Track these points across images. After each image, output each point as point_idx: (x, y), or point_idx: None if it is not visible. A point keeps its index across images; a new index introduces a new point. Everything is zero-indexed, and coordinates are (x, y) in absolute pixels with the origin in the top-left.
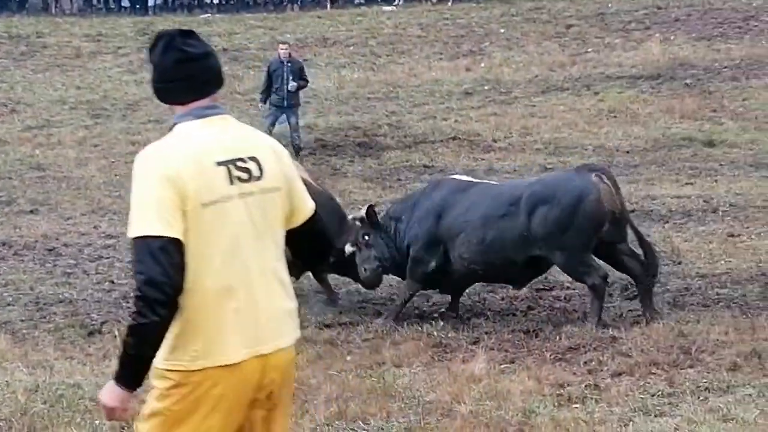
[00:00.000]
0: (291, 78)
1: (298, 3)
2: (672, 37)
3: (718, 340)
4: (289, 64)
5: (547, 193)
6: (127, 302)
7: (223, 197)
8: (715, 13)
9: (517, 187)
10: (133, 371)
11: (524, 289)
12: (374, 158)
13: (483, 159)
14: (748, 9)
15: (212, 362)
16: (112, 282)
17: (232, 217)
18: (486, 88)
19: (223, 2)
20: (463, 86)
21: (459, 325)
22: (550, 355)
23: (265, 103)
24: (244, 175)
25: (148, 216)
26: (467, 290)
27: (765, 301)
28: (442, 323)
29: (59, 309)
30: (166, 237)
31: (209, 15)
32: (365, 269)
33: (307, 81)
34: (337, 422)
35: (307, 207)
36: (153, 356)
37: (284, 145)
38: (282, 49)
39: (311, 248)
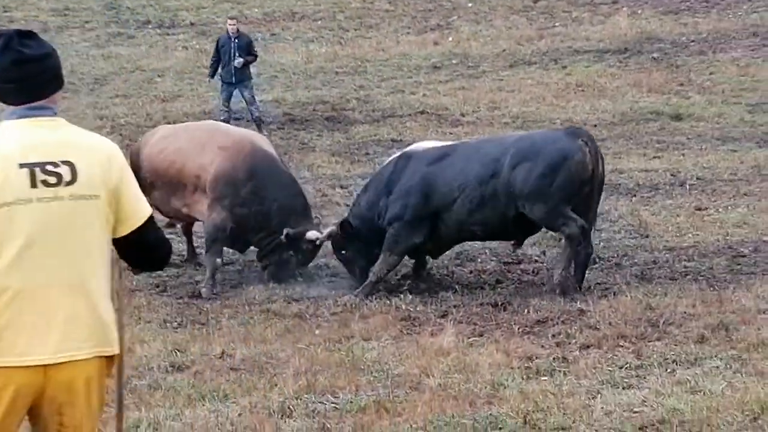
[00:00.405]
0: (238, 54)
1: None
2: (639, 11)
3: (685, 312)
4: (237, 40)
5: (531, 152)
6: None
7: (19, 199)
8: None
9: (502, 143)
10: None
11: (492, 263)
12: (342, 132)
13: (451, 133)
14: None
15: (8, 360)
16: None
17: (26, 220)
18: (454, 62)
19: None
20: (431, 60)
21: (427, 299)
22: (519, 328)
23: (212, 77)
24: (52, 179)
25: None
26: (435, 263)
27: (732, 274)
28: (410, 297)
29: None
30: None
31: None
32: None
33: (256, 56)
34: (305, 395)
35: (136, 216)
36: None
37: (246, 120)
38: (230, 24)
39: (140, 258)
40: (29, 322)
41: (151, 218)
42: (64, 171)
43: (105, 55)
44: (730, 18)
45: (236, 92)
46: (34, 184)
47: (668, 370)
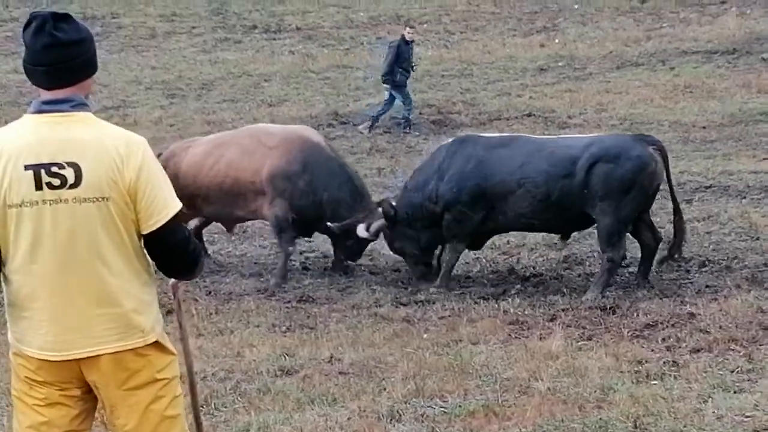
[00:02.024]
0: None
1: None
2: (748, 11)
3: None
4: (412, 44)
5: (610, 155)
6: (204, 281)
7: (26, 202)
8: None
9: (573, 146)
10: None
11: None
12: (449, 135)
13: (559, 134)
14: None
15: (24, 350)
16: None
17: (33, 222)
18: (560, 64)
19: None
20: (537, 62)
21: (535, 302)
22: (628, 332)
23: (386, 83)
24: (56, 182)
25: None
26: (545, 267)
27: None
28: (518, 300)
29: None
30: None
31: None
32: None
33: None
34: (414, 399)
35: (156, 216)
36: None
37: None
38: (409, 31)
39: (164, 260)
40: (45, 319)
41: (174, 219)
42: (69, 173)
43: (212, 60)
44: None
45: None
46: (39, 186)
47: None
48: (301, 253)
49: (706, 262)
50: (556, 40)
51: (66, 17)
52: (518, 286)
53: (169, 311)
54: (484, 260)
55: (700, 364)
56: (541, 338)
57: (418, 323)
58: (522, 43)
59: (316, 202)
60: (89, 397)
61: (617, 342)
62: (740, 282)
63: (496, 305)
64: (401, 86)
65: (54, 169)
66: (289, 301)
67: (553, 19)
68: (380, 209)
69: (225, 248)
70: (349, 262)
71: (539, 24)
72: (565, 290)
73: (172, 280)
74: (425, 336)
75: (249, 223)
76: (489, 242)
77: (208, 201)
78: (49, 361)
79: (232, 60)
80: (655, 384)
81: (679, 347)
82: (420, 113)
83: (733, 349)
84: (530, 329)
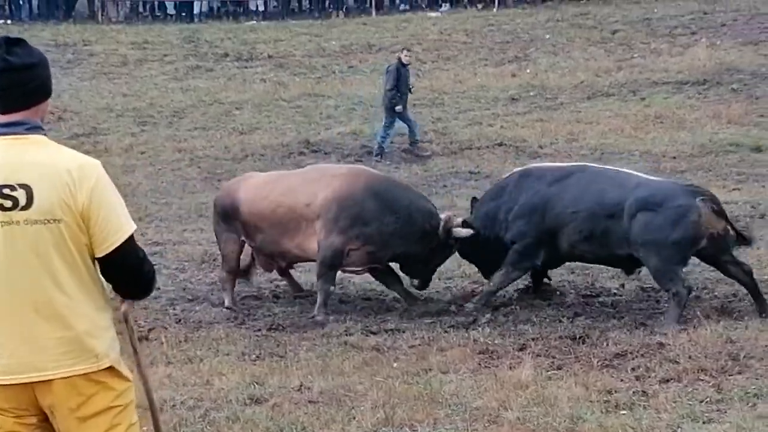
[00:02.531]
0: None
1: (344, 10)
2: (718, 42)
3: (766, 346)
4: (408, 67)
5: (653, 202)
6: (174, 308)
7: None
8: (762, 17)
9: (623, 186)
10: None
11: (570, 295)
12: (420, 165)
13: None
14: None
15: None
16: (159, 289)
17: None
18: (532, 94)
19: (269, 9)
20: (508, 92)
21: (505, 332)
22: (598, 362)
23: (398, 105)
24: (8, 203)
25: None
26: (510, 296)
27: None
28: (488, 329)
29: None
30: None
31: (254, 22)
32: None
33: None
34: (383, 428)
35: (110, 239)
36: None
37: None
38: (407, 55)
39: (118, 281)
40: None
41: (128, 241)
42: (20, 195)
43: (183, 87)
44: None
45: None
46: None
47: (749, 404)
48: (271, 281)
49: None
50: (528, 70)
51: (19, 41)
52: (488, 315)
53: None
54: (454, 289)
55: (669, 394)
56: (510, 367)
57: (388, 352)
58: (493, 72)
59: (400, 221)
60: (46, 425)
61: (587, 371)
62: (710, 312)
63: (466, 334)
64: (391, 110)
65: (6, 191)
66: (258, 330)
67: (525, 49)
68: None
69: (195, 276)
70: (415, 290)
71: (511, 54)
72: (535, 319)
73: (123, 306)
74: (395, 365)
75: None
76: (459, 271)
77: (258, 229)
78: (2, 385)
79: (204, 88)
80: (624, 414)
81: (649, 377)
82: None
83: (702, 380)
84: (500, 358)
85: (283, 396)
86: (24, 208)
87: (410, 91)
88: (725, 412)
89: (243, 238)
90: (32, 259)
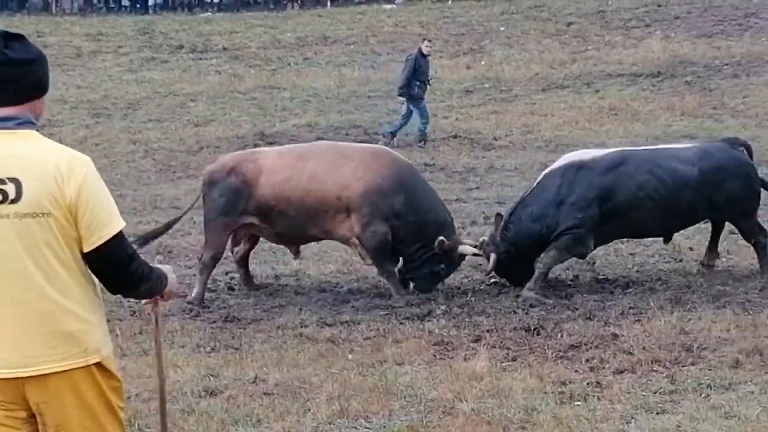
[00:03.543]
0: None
1: (299, 1)
2: (672, 35)
3: (719, 337)
4: (428, 58)
5: (723, 167)
6: (128, 300)
7: None
8: (716, 10)
9: (687, 160)
10: None
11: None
12: None
13: (484, 157)
14: (749, 6)
15: None
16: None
17: None
18: (486, 86)
19: (224, 1)
20: (463, 84)
21: (460, 323)
22: (552, 353)
23: (402, 96)
24: None
25: None
26: (469, 287)
27: (766, 298)
28: (443, 321)
29: None
30: None
31: (210, 14)
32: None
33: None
34: (339, 420)
35: (98, 234)
36: None
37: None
38: (427, 45)
39: (106, 277)
40: None
41: (117, 237)
42: (9, 188)
43: (138, 79)
44: (763, 41)
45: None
46: None
47: (703, 395)
48: (226, 273)
49: (630, 284)
50: (483, 62)
51: (18, 37)
52: (443, 306)
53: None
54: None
55: (623, 385)
56: (465, 359)
57: (343, 344)
58: (448, 64)
59: (418, 222)
60: (34, 420)
61: (541, 363)
62: (663, 303)
63: (422, 326)
64: (418, 99)
65: None
66: (214, 322)
67: (480, 42)
68: (495, 232)
69: None
70: (419, 291)
71: (465, 46)
72: (490, 311)
73: (150, 307)
74: (350, 357)
75: (174, 243)
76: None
77: (283, 214)
78: None
79: (159, 79)
80: (578, 405)
81: (603, 368)
82: (347, 134)
83: (656, 371)
84: (455, 350)
85: (238, 388)
86: (13, 202)
87: (429, 82)
88: (679, 402)
89: (251, 221)
90: (23, 252)
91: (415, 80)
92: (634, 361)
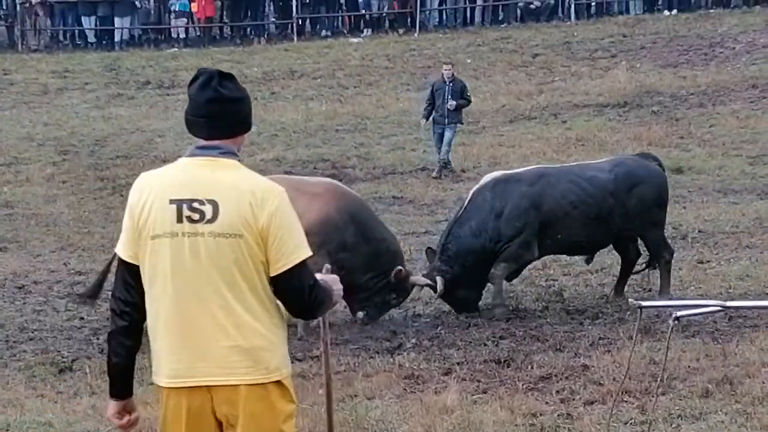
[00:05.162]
0: (451, 97)
1: (265, 36)
2: (638, 65)
3: (689, 366)
4: (451, 84)
5: (638, 176)
6: (98, 338)
7: (167, 233)
8: (681, 40)
9: (602, 169)
10: (109, 378)
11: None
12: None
13: (452, 189)
14: (714, 36)
15: (158, 381)
16: (82, 318)
17: (171, 252)
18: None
19: (190, 36)
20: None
21: (430, 356)
22: (523, 385)
23: (426, 120)
24: (195, 216)
25: (121, 237)
26: (443, 321)
27: (735, 328)
28: (413, 354)
29: (29, 347)
30: (123, 259)
31: (176, 49)
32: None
33: (469, 100)
34: None
35: (283, 260)
36: (119, 364)
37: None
38: (446, 69)
39: (288, 301)
40: (176, 346)
41: (300, 265)
42: (207, 209)
43: (105, 116)
44: (728, 70)
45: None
46: (180, 219)
47: (673, 425)
48: None
49: (600, 314)
50: None
51: (230, 76)
52: (413, 340)
53: None
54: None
55: (593, 416)
56: (436, 392)
57: (314, 378)
58: (415, 97)
59: (371, 252)
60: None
61: (512, 395)
62: (633, 334)
63: (392, 359)
64: (437, 125)
65: (195, 204)
66: None
67: (424, 78)
68: (433, 262)
69: None
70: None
71: (432, 78)
72: (460, 343)
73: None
74: (321, 391)
75: None
76: None
77: None
78: (178, 388)
79: (126, 116)
80: None
81: (573, 400)
82: (315, 168)
83: (626, 401)
84: (425, 383)
85: None
86: (209, 222)
87: (447, 105)
88: None
89: None
90: (214, 270)
91: (432, 106)
92: (605, 392)
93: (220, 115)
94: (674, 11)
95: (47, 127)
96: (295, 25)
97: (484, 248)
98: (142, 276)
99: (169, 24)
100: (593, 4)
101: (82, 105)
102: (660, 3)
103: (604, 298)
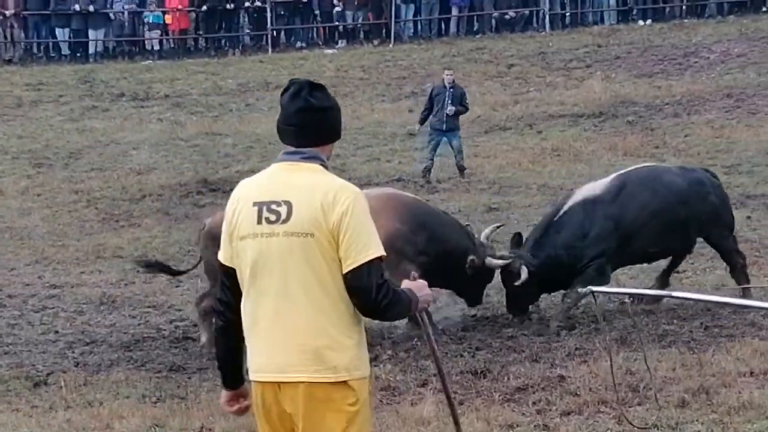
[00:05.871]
0: (450, 102)
1: (240, 48)
2: (613, 75)
3: (665, 376)
4: (452, 90)
5: (701, 185)
6: (73, 352)
7: (250, 234)
8: (656, 50)
9: (677, 174)
10: (219, 370)
11: (470, 330)
12: None
13: (428, 200)
14: (688, 46)
15: (251, 376)
16: (57, 332)
17: (253, 253)
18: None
19: (164, 48)
20: (406, 127)
21: (407, 367)
22: (499, 396)
23: (422, 125)
24: (273, 217)
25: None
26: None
27: (711, 337)
28: (389, 366)
29: (4, 361)
30: (220, 261)
31: (150, 61)
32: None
33: (467, 108)
34: None
35: (351, 259)
36: (223, 358)
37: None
38: (447, 75)
39: (356, 299)
40: (254, 343)
41: (369, 264)
42: (282, 210)
43: (79, 128)
44: (703, 80)
45: (444, 140)
46: (259, 221)
47: None
48: (170, 322)
49: (576, 325)
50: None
51: (320, 86)
52: (389, 351)
53: None
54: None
55: (570, 427)
56: (412, 404)
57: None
58: (390, 108)
59: (445, 251)
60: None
61: (488, 406)
62: (609, 344)
63: None
64: (434, 131)
65: (273, 206)
66: (159, 371)
67: (421, 85)
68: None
69: (94, 319)
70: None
71: (407, 89)
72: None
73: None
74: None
75: (119, 292)
76: None
77: None
78: (259, 382)
79: (100, 128)
80: None
81: (550, 410)
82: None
83: (603, 411)
84: (402, 395)
85: None
86: (284, 222)
87: (446, 111)
88: None
89: None
90: (289, 268)
91: (429, 111)
92: (581, 402)
93: (308, 124)
94: (648, 21)
95: (21, 140)
96: (269, 36)
97: (568, 263)
98: (238, 277)
99: (144, 36)
100: (568, 14)
101: (57, 117)
102: (634, 13)
103: (581, 308)
